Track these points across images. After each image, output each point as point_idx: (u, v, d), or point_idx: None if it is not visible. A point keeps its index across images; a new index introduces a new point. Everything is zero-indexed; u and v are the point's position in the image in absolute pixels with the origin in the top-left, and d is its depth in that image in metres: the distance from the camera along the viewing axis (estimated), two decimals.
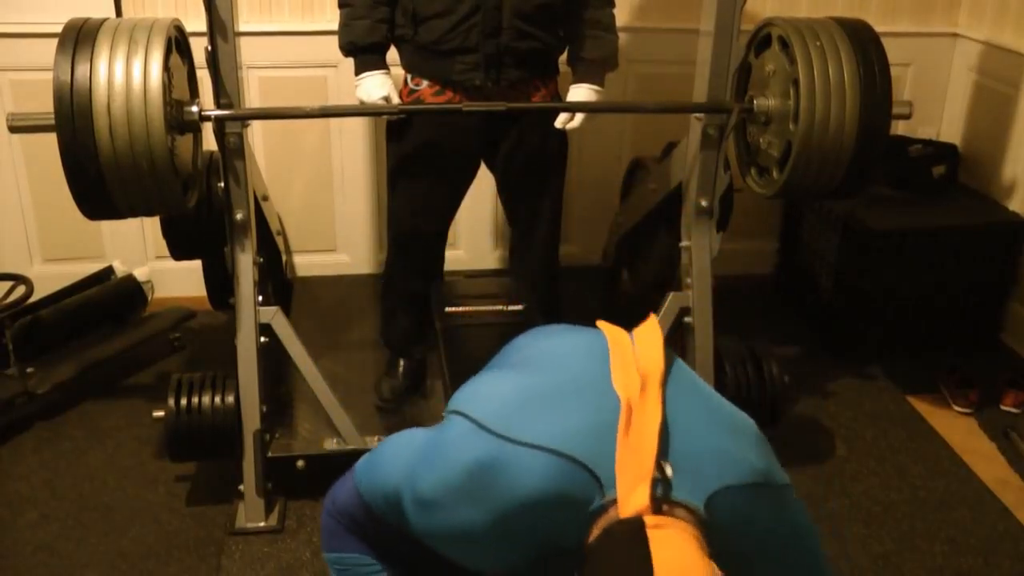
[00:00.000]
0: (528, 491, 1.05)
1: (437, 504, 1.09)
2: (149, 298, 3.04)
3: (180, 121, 2.01)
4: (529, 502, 1.05)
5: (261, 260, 2.30)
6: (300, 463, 2.30)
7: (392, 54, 2.38)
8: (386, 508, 1.21)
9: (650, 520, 0.98)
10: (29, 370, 2.66)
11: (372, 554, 1.30)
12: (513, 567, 1.12)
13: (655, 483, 1.03)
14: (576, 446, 1.06)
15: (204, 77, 2.14)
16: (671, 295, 2.40)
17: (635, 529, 0.98)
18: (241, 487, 2.26)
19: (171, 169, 1.91)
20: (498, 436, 1.08)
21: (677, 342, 2.42)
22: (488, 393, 1.16)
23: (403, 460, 1.17)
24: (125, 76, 1.85)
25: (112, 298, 2.97)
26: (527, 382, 1.17)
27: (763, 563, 1.12)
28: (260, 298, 2.26)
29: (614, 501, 1.03)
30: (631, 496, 1.02)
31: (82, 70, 1.84)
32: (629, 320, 1.32)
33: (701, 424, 1.13)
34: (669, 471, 1.04)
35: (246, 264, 2.22)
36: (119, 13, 2.88)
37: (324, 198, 3.24)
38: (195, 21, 2.19)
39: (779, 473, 1.16)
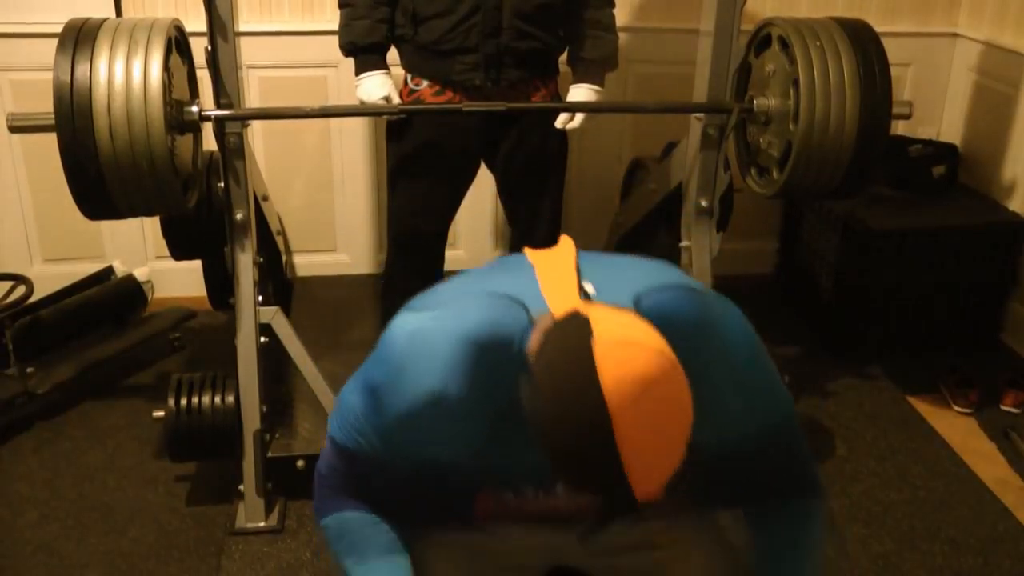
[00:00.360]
0: (464, 330, 1.08)
1: (389, 384, 1.13)
2: (149, 298, 3.04)
3: (180, 121, 2.01)
4: (468, 341, 1.07)
5: (261, 260, 2.30)
6: (300, 463, 2.30)
7: (392, 54, 2.38)
8: (360, 439, 1.22)
9: (583, 307, 1.00)
10: (29, 370, 2.66)
11: (366, 508, 1.29)
12: (483, 441, 1.12)
13: (581, 295, 1.11)
14: (500, 288, 1.14)
15: (204, 77, 2.14)
16: None
17: (570, 316, 0.98)
18: (241, 487, 2.26)
19: (171, 169, 1.91)
20: (430, 309, 1.15)
21: None
22: (426, 294, 1.23)
23: (356, 380, 1.24)
24: (125, 76, 1.85)
25: (112, 298, 2.97)
26: (458, 279, 1.26)
27: (704, 362, 1.08)
28: (260, 298, 2.26)
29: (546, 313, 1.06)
30: (561, 303, 1.06)
31: (82, 70, 1.84)
32: None
33: (615, 267, 1.24)
34: (591, 288, 1.12)
35: (246, 264, 2.23)
36: (119, 13, 2.88)
37: (324, 198, 3.24)
38: (195, 21, 2.19)
39: (702, 286, 1.23)
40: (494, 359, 1.06)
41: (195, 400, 2.20)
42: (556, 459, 0.95)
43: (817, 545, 1.27)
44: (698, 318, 1.12)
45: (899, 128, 3.27)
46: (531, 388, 0.97)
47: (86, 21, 1.92)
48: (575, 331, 0.95)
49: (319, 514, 1.32)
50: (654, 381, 0.92)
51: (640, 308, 1.08)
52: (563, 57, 2.43)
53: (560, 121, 2.35)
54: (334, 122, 3.13)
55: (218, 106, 2.10)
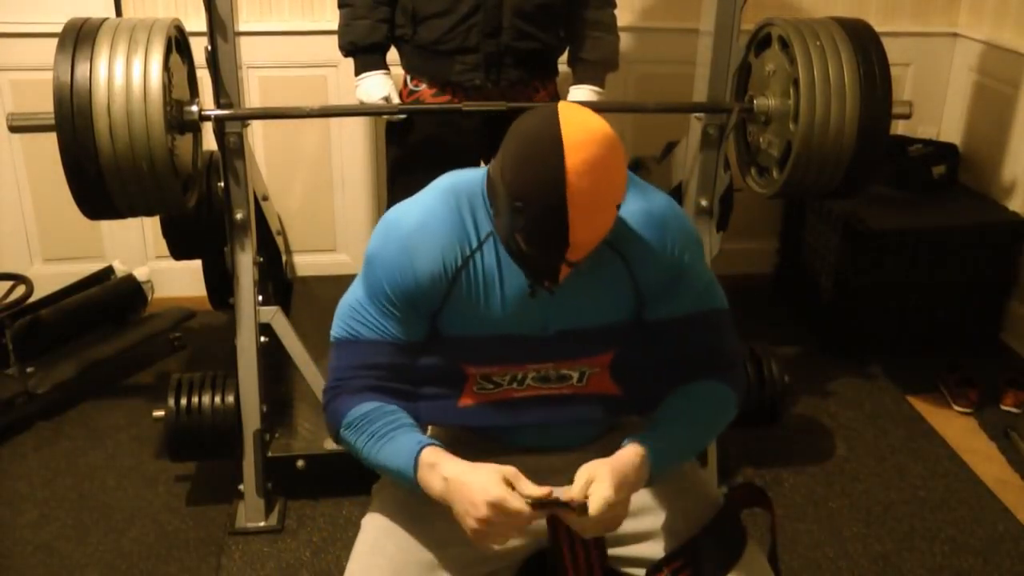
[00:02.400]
0: (437, 186, 1.36)
1: (381, 242, 1.33)
2: (149, 298, 3.04)
3: (180, 121, 2.01)
4: (439, 188, 1.35)
5: (261, 260, 2.30)
6: (300, 463, 2.30)
7: (392, 54, 2.38)
8: (362, 320, 1.34)
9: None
10: (29, 370, 2.66)
11: (381, 399, 1.34)
12: (459, 278, 1.31)
13: None
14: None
15: (204, 77, 2.14)
16: None
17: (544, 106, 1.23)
18: (241, 487, 2.26)
19: (171, 169, 1.91)
20: None
21: None
22: None
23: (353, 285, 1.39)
24: (125, 76, 1.85)
25: (112, 298, 2.97)
26: None
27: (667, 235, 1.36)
28: (260, 298, 2.26)
29: None
30: None
31: (82, 70, 1.84)
32: None
33: None
34: None
35: (246, 264, 2.22)
36: (119, 13, 2.88)
37: (324, 198, 3.24)
38: (195, 21, 2.19)
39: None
40: (462, 195, 1.32)
41: (195, 400, 2.20)
42: (515, 200, 1.18)
43: (711, 414, 1.39)
44: (664, 206, 1.37)
45: (899, 128, 3.27)
46: (500, 154, 1.22)
47: (86, 21, 1.92)
48: (545, 106, 1.21)
49: (336, 422, 1.35)
50: (603, 140, 1.16)
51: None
52: (563, 58, 2.43)
53: None
54: (334, 122, 3.13)
55: (218, 106, 2.10)
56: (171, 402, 2.20)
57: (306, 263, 3.31)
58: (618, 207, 1.21)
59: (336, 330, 1.39)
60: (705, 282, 1.41)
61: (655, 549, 1.36)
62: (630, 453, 1.28)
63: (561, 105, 1.20)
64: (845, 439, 2.65)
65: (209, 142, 2.19)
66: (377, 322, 1.34)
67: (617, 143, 1.19)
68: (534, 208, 1.17)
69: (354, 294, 1.38)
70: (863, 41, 2.08)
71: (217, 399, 2.21)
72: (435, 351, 1.37)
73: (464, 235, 1.31)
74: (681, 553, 1.33)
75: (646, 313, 1.37)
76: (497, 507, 1.18)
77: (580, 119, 1.18)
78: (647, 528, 1.38)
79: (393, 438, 1.30)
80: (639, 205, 1.35)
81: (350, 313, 1.37)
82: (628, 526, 1.38)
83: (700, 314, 1.39)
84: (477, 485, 1.20)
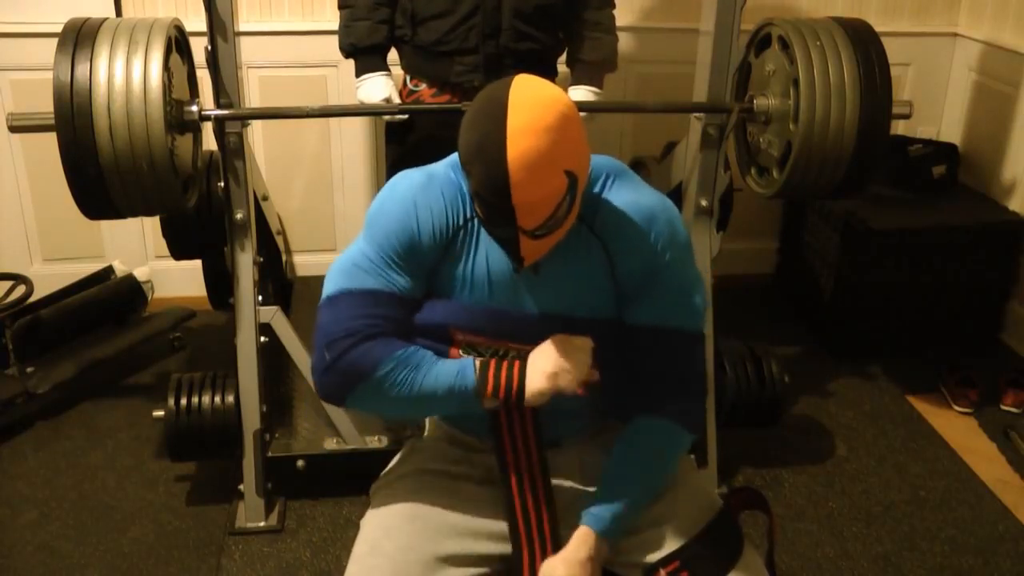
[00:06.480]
0: (447, 159, 1.41)
1: (385, 199, 1.40)
2: (149, 298, 3.05)
3: (180, 121, 2.01)
4: (447, 161, 1.40)
5: (261, 260, 2.30)
6: (300, 463, 2.30)
7: (392, 54, 2.38)
8: (368, 265, 1.35)
9: None
10: (29, 370, 2.66)
11: (395, 343, 1.33)
12: (450, 242, 1.36)
13: None
14: None
15: (204, 77, 2.14)
16: None
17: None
18: (241, 487, 2.26)
19: (171, 169, 1.91)
20: None
21: None
22: None
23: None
24: (125, 76, 1.85)
25: (112, 298, 2.97)
26: None
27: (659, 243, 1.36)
28: (260, 298, 2.26)
29: None
30: None
31: (82, 70, 1.84)
32: None
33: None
34: None
35: (246, 264, 2.22)
36: (119, 13, 2.88)
37: (324, 198, 3.24)
38: (195, 21, 2.19)
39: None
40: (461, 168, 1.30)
41: (195, 400, 2.20)
42: (464, 160, 1.21)
43: (661, 463, 1.39)
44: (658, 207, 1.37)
45: (899, 128, 3.27)
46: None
47: (86, 21, 1.92)
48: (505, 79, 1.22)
49: (372, 364, 1.30)
50: (551, 103, 1.17)
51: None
52: (562, 58, 2.43)
53: None
54: (334, 122, 3.13)
55: (218, 106, 2.10)
56: (171, 402, 2.20)
57: (306, 263, 3.31)
58: (572, 176, 1.20)
59: (335, 284, 1.36)
60: (685, 292, 1.38)
61: (652, 551, 1.36)
62: (580, 540, 1.33)
63: (519, 75, 1.21)
64: (845, 439, 2.65)
65: (209, 142, 2.20)
66: (382, 271, 1.35)
67: (569, 110, 1.20)
68: (478, 167, 1.18)
69: (355, 247, 1.39)
70: (863, 41, 2.08)
71: (217, 399, 2.21)
72: (426, 310, 1.37)
73: (463, 200, 1.36)
74: (678, 555, 1.33)
75: (624, 313, 1.37)
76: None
77: (532, 84, 1.19)
78: (644, 531, 1.38)
79: (444, 362, 1.32)
80: (630, 197, 1.36)
81: (350, 266, 1.36)
82: None
83: (672, 332, 1.37)
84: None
